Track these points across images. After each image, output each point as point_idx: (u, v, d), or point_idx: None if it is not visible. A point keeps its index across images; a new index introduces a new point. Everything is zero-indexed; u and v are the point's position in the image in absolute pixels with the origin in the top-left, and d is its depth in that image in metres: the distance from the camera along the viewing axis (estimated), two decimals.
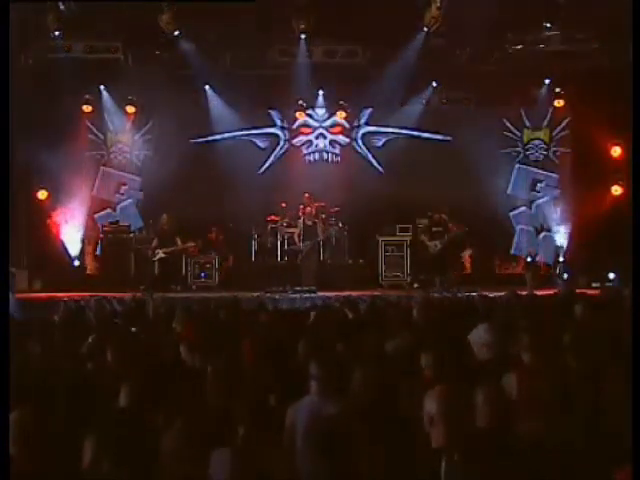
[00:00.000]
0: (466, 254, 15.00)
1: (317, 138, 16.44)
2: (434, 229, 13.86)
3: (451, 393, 3.17)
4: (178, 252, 13.85)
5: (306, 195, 14.38)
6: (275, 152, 16.36)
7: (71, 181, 15.38)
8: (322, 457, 3.05)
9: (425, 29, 13.79)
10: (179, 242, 13.72)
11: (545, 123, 16.25)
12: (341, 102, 15.85)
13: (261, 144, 16.35)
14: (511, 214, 16.13)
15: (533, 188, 16.27)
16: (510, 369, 4.06)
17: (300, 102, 15.77)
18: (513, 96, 15.70)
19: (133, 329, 6.29)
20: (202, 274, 14.35)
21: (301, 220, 14.02)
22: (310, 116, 16.29)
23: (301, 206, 14.28)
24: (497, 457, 2.98)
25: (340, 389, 4.01)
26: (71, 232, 15.49)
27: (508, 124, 16.17)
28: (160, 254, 13.68)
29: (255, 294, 12.03)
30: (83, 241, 15.58)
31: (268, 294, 12.39)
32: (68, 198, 15.37)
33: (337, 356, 4.45)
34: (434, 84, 15.45)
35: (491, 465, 2.88)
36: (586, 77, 14.54)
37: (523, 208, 16.25)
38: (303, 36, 14.11)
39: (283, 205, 15.03)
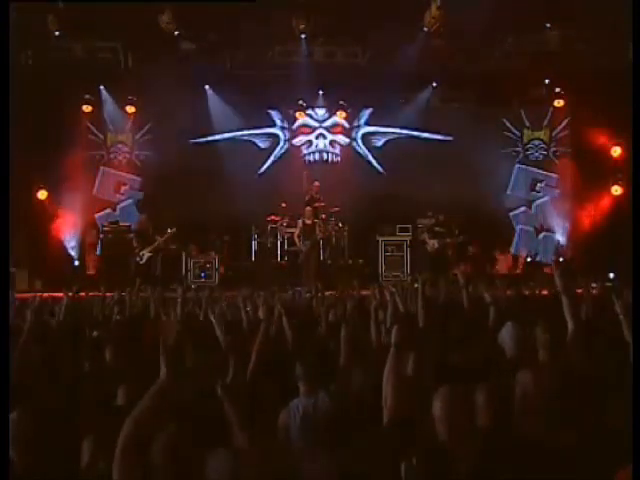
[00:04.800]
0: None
1: (317, 138, 16.44)
2: (437, 229, 13.98)
3: (454, 393, 3.17)
4: (163, 246, 13.79)
5: (316, 184, 14.47)
6: (275, 152, 16.37)
7: (71, 181, 15.38)
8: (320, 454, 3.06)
9: (425, 29, 13.80)
10: (158, 239, 13.71)
11: (545, 123, 16.25)
12: (341, 102, 15.86)
13: (261, 144, 16.36)
14: (511, 214, 16.14)
15: (533, 188, 16.27)
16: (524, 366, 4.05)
17: (300, 102, 15.79)
18: (513, 96, 15.71)
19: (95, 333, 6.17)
20: (202, 274, 14.35)
21: (301, 220, 14.02)
22: (310, 116, 16.30)
23: (301, 210, 14.23)
24: (484, 457, 2.98)
25: (326, 386, 4.02)
26: (71, 232, 15.50)
27: (508, 124, 16.18)
28: (146, 255, 13.68)
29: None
30: (83, 241, 15.59)
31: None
32: (68, 198, 15.37)
33: (322, 354, 4.43)
34: (434, 84, 15.46)
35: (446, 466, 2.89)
36: (586, 77, 14.53)
37: (523, 208, 16.25)
38: (303, 36, 14.13)
39: (283, 205, 15.01)
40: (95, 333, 6.06)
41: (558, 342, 4.29)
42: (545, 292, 8.64)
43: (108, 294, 8.88)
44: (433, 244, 13.94)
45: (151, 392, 2.90)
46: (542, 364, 4.11)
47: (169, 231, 13.63)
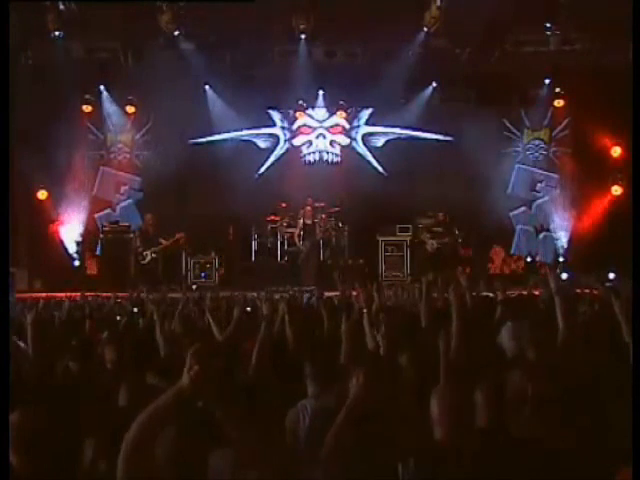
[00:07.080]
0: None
1: (317, 138, 16.43)
2: (435, 229, 14.01)
3: (452, 392, 3.17)
4: (169, 248, 13.82)
5: (309, 200, 14.47)
6: (275, 152, 16.36)
7: (71, 181, 15.40)
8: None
9: (425, 29, 13.80)
10: (163, 242, 13.74)
11: (545, 123, 16.25)
12: (341, 102, 15.86)
13: (261, 144, 16.35)
14: (511, 214, 16.13)
15: (533, 188, 16.26)
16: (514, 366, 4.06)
17: (300, 102, 15.78)
18: (513, 96, 15.70)
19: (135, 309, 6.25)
20: (202, 274, 14.36)
21: (301, 220, 14.04)
22: (310, 116, 16.29)
23: (301, 210, 14.32)
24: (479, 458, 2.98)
25: (334, 386, 4.00)
26: (71, 232, 15.50)
27: (508, 124, 16.16)
28: (149, 255, 13.69)
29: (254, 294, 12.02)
30: (83, 241, 15.59)
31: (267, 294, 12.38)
32: (68, 198, 15.39)
33: (331, 354, 4.42)
34: (434, 84, 15.47)
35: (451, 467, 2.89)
36: (586, 77, 14.53)
37: (523, 208, 16.25)
38: (303, 36, 14.13)
39: (283, 205, 15.03)
40: (95, 332, 6.06)
41: (547, 342, 4.30)
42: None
43: (108, 294, 8.91)
44: (432, 244, 14.02)
45: (165, 398, 2.53)
46: (531, 363, 4.12)
47: (177, 236, 13.69)
